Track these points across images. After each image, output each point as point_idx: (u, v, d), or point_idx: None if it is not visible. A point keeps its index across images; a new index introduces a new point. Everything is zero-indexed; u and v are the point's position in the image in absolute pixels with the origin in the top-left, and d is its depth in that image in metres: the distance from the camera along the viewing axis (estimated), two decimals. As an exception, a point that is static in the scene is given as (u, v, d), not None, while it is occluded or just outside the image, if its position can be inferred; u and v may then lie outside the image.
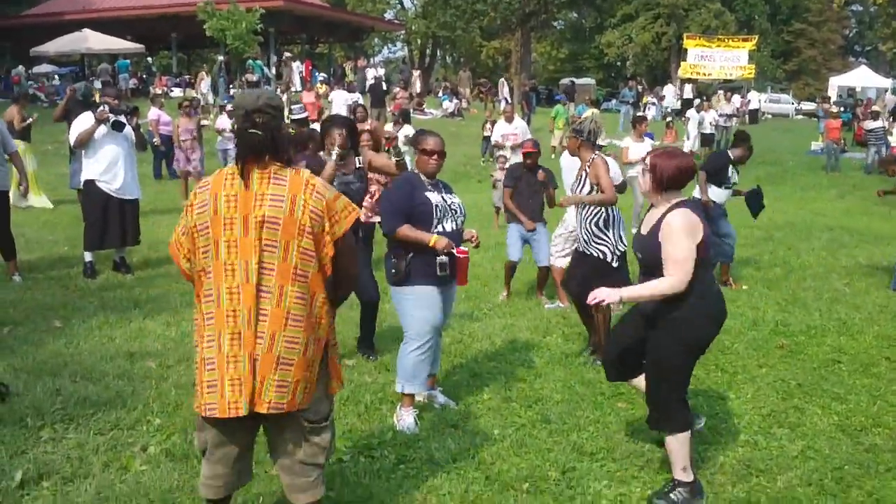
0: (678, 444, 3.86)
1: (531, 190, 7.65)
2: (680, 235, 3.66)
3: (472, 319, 7.02)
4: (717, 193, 8.31)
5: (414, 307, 4.61)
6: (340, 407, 4.91)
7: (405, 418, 4.66)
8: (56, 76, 30.73)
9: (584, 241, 5.93)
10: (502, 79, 32.59)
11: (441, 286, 4.67)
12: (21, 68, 31.16)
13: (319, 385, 3.07)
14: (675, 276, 3.65)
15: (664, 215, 3.74)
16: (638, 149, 11.57)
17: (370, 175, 8.33)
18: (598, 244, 5.84)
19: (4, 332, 6.23)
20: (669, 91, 33.09)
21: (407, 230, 4.54)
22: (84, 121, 7.77)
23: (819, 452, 4.48)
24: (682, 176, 3.83)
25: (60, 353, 5.75)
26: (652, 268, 3.77)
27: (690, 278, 3.64)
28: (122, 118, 7.86)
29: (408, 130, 13.60)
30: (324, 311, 3.04)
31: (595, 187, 5.86)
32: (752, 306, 7.60)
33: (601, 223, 5.86)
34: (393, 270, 4.58)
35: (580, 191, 5.93)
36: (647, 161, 3.88)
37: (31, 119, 12.34)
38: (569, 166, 7.44)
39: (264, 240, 2.90)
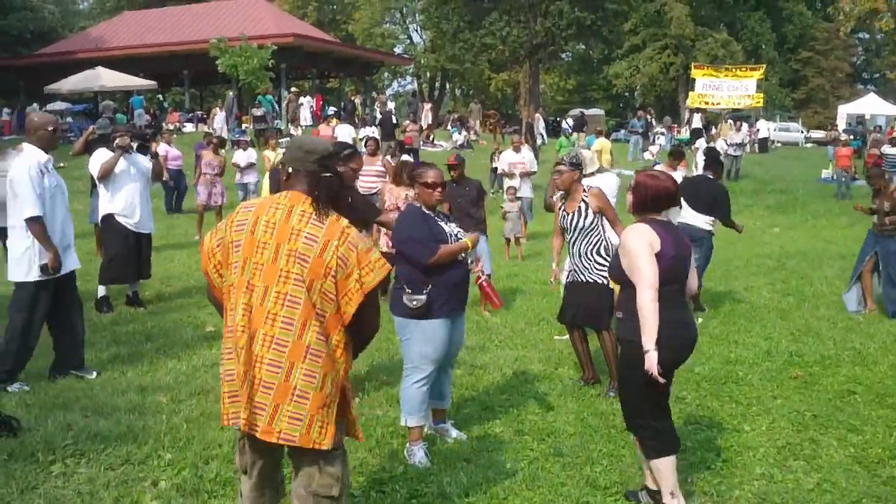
0: (663, 468, 3.89)
1: (466, 201, 8.05)
2: (631, 245, 3.80)
3: (483, 351, 7.00)
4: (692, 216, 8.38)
5: (418, 341, 4.61)
6: (350, 441, 4.87)
7: (416, 453, 4.63)
8: (69, 114, 31.08)
9: (585, 269, 5.92)
10: (537, 113, 32.76)
11: (450, 319, 4.67)
12: (35, 106, 31.56)
13: (340, 420, 3.13)
14: (641, 289, 3.71)
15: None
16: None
17: (392, 202, 8.39)
18: (601, 270, 5.84)
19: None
20: (697, 119, 33.07)
21: (443, 251, 4.55)
22: (103, 154, 7.87)
23: (836, 485, 4.42)
24: (659, 201, 3.92)
25: (72, 388, 5.76)
26: (622, 283, 3.92)
27: (658, 280, 3.70)
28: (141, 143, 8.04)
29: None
30: (339, 352, 3.07)
31: (597, 215, 5.90)
32: (766, 336, 7.55)
33: (602, 251, 5.89)
34: (414, 303, 4.53)
35: (581, 222, 5.92)
36: (633, 180, 4.00)
37: (61, 165, 12.49)
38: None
39: (294, 273, 2.99)
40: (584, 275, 5.93)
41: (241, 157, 14.88)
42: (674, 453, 3.93)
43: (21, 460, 4.46)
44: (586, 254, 5.92)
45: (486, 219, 8.66)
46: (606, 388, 5.91)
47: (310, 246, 2.99)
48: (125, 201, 7.84)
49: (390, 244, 8.39)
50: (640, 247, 3.78)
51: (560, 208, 6.17)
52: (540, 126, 30.61)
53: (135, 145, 7.81)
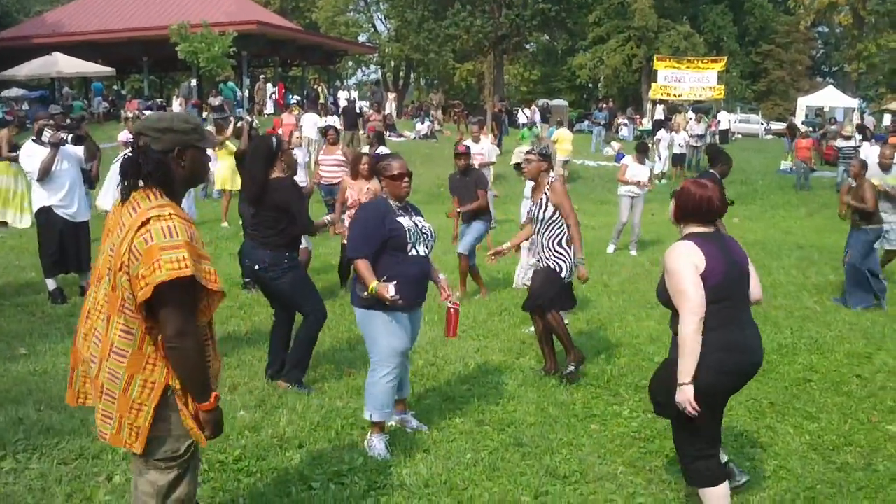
0: (711, 499, 3.67)
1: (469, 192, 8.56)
2: (674, 265, 3.50)
3: (444, 342, 6.96)
4: None
5: (382, 333, 4.56)
6: (311, 432, 4.85)
7: (376, 445, 4.60)
8: (25, 100, 30.45)
9: (546, 258, 6.01)
10: (534, 105, 32.75)
11: (409, 311, 4.64)
12: (-9, 91, 30.89)
13: (161, 427, 2.82)
14: (685, 313, 3.43)
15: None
16: (637, 170, 11.73)
17: (356, 199, 8.34)
18: (557, 258, 5.95)
19: (-34, 361, 6.10)
20: (660, 110, 33.28)
21: (363, 265, 4.48)
22: (34, 150, 7.67)
23: (792, 472, 4.48)
24: (699, 211, 3.64)
25: (25, 381, 5.64)
26: (669, 307, 3.62)
27: (705, 307, 3.42)
28: (73, 132, 7.87)
29: (384, 151, 13.59)
30: (151, 354, 2.76)
31: (556, 209, 5.95)
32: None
33: (564, 242, 5.97)
34: (365, 294, 4.51)
35: (542, 214, 6.01)
36: (679, 186, 3.76)
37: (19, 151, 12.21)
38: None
39: (108, 265, 2.79)
40: (544, 260, 6.02)
41: None
42: (718, 483, 3.66)
43: (-30, 455, 4.36)
44: (548, 244, 6.02)
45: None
46: (565, 367, 5.93)
47: (118, 235, 2.76)
48: (63, 192, 7.69)
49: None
50: (683, 268, 3.48)
51: (530, 198, 6.24)
52: (535, 116, 30.70)
53: (68, 137, 7.62)
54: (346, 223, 8.39)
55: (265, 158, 5.55)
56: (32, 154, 7.63)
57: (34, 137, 7.79)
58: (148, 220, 2.67)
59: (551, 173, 6.21)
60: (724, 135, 32.71)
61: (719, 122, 33.41)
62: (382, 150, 12.34)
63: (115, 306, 2.75)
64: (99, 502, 3.93)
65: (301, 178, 10.52)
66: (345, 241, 8.62)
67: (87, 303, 2.92)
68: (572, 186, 20.09)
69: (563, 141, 21.16)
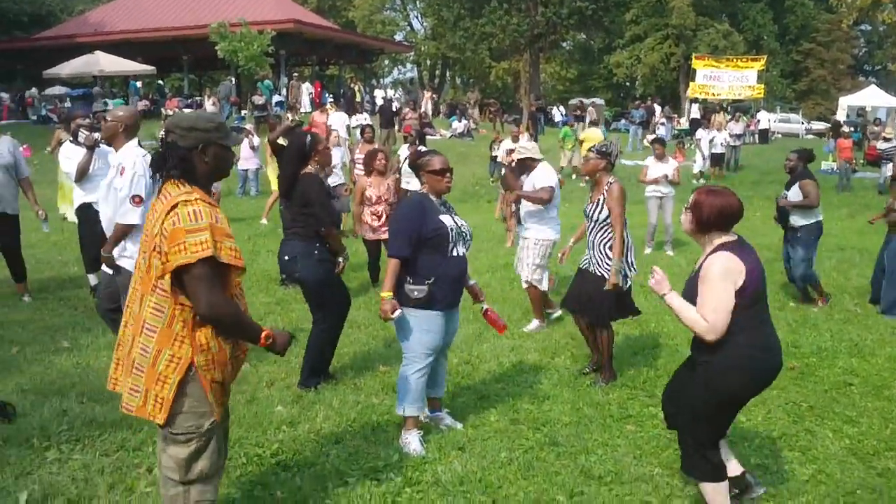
0: (709, 493, 3.75)
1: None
2: (715, 280, 3.49)
3: (479, 340, 6.99)
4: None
5: (416, 330, 4.58)
6: (347, 428, 4.90)
7: (411, 441, 4.63)
8: (68, 98, 31.01)
9: (596, 261, 5.93)
10: (591, 105, 32.63)
11: (447, 311, 4.66)
12: (34, 90, 31.48)
13: (187, 401, 3.01)
14: (708, 322, 3.48)
15: (706, 258, 3.61)
16: (657, 169, 11.59)
17: (378, 195, 8.40)
18: (609, 266, 5.82)
19: (13, 353, 6.25)
20: (695, 109, 32.94)
21: (396, 266, 4.48)
22: (71, 152, 7.75)
23: (830, 477, 4.42)
24: (726, 217, 3.63)
25: (68, 374, 5.76)
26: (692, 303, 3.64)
27: (727, 326, 3.47)
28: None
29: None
30: (180, 330, 2.96)
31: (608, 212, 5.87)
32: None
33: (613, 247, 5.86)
34: (416, 293, 4.51)
35: (597, 214, 5.93)
36: (691, 199, 3.73)
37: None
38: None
39: (144, 248, 3.03)
40: (592, 265, 5.95)
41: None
42: (722, 480, 3.74)
43: (16, 446, 4.48)
44: (598, 245, 5.92)
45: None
46: (596, 379, 5.93)
47: (150, 220, 3.01)
48: (101, 191, 7.78)
49: (374, 227, 8.46)
50: (722, 288, 3.48)
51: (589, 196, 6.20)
52: (593, 115, 30.53)
53: (99, 136, 7.73)
54: (372, 221, 8.48)
55: (298, 156, 5.63)
56: (70, 156, 7.73)
57: (71, 139, 7.92)
58: (176, 204, 2.91)
59: (611, 175, 6.01)
60: (764, 134, 32.30)
61: (759, 121, 32.98)
62: (422, 149, 12.45)
63: (148, 286, 2.97)
64: (140, 493, 4.00)
65: (337, 178, 10.59)
66: (367, 237, 8.69)
67: (130, 292, 3.11)
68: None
69: (591, 140, 20.91)
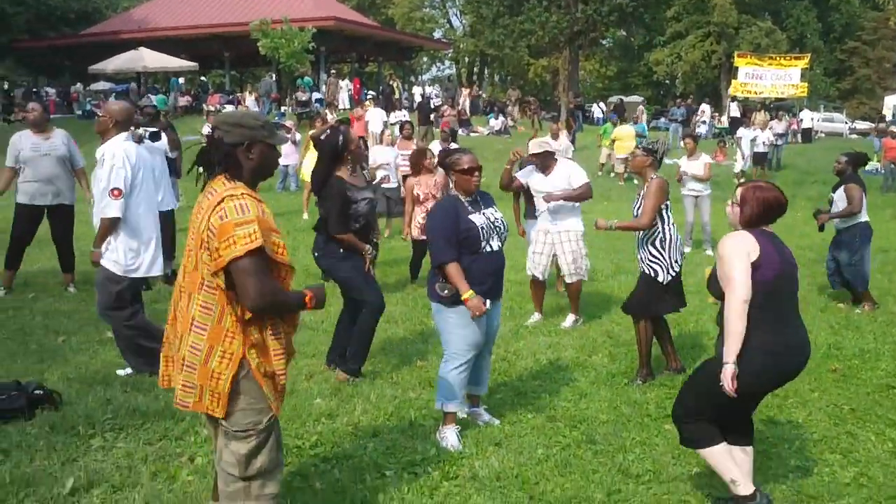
0: (710, 460, 3.82)
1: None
2: (729, 255, 3.57)
3: (516, 337, 6.99)
4: None
5: (457, 325, 4.59)
6: (385, 422, 4.94)
7: (448, 436, 4.65)
8: (113, 93, 31.54)
9: (640, 258, 5.93)
10: (640, 106, 32.48)
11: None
12: (79, 85, 32.06)
13: (245, 397, 3.05)
14: (729, 291, 3.53)
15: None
16: (688, 166, 11.49)
17: (426, 192, 8.42)
18: (652, 262, 5.81)
19: (59, 342, 6.39)
20: (734, 107, 32.56)
21: (454, 270, 4.47)
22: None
23: (873, 480, 4.36)
24: (770, 212, 3.68)
25: (112, 363, 5.87)
26: (721, 299, 3.69)
27: (749, 301, 3.49)
28: (150, 129, 8.07)
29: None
30: (231, 326, 2.99)
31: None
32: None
33: (657, 243, 5.82)
34: (445, 291, 4.54)
35: (638, 211, 5.92)
36: (738, 193, 3.77)
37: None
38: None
39: (191, 246, 3.07)
40: (641, 265, 5.92)
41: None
42: (720, 442, 3.78)
43: (62, 433, 4.58)
44: (642, 241, 5.90)
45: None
46: (634, 376, 5.91)
47: (197, 218, 3.03)
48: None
49: (424, 229, 8.47)
50: (734, 254, 3.56)
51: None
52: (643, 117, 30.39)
53: (147, 134, 7.85)
54: (419, 219, 8.48)
55: (331, 155, 5.72)
56: None
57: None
58: (223, 199, 2.93)
59: (656, 172, 6.00)
60: (807, 134, 31.80)
61: (802, 120, 32.48)
62: (454, 146, 12.46)
63: (195, 284, 3.02)
64: (182, 482, 4.07)
65: (388, 174, 10.56)
66: (414, 237, 8.73)
67: (176, 290, 3.17)
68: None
69: (623, 138, 20.70)
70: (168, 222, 8.19)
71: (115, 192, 5.24)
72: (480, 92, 37.13)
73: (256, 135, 3.08)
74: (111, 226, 5.31)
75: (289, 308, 3.14)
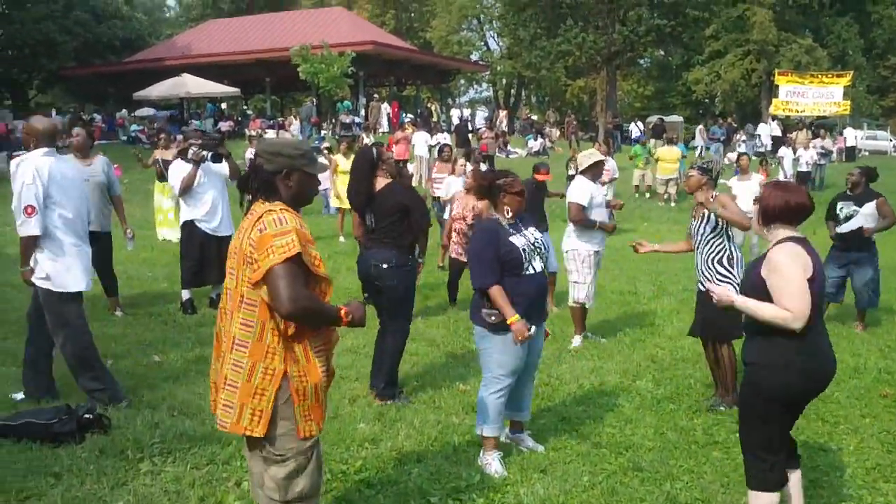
0: (752, 502, 3.73)
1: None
2: (787, 266, 3.48)
3: (559, 361, 6.95)
4: None
5: (499, 351, 4.59)
6: (428, 447, 4.93)
7: (492, 462, 4.63)
8: (157, 119, 32.19)
9: (706, 278, 5.78)
10: (701, 126, 32.32)
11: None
12: (125, 111, 32.75)
13: (283, 421, 3.07)
14: (790, 311, 3.43)
15: (768, 251, 3.62)
16: (741, 189, 11.29)
17: (458, 211, 8.45)
18: (722, 282, 5.65)
19: (108, 365, 6.47)
20: (764, 130, 32.20)
21: (498, 293, 4.48)
22: (181, 168, 8.08)
23: (930, 510, 4.25)
24: (790, 211, 3.63)
25: (159, 387, 5.95)
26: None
27: (808, 315, 3.43)
28: (215, 150, 8.17)
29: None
30: (272, 342, 3.03)
31: (721, 223, 5.77)
32: (854, 353, 7.30)
33: (725, 261, 5.74)
34: (492, 318, 4.52)
35: (703, 228, 5.82)
36: (761, 192, 3.81)
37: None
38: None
39: (231, 266, 3.13)
40: (705, 285, 5.77)
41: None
42: (772, 490, 3.70)
43: (112, 457, 4.64)
44: (708, 262, 5.81)
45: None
46: (716, 402, 5.80)
47: (238, 237, 3.10)
48: (206, 208, 8.06)
49: (459, 252, 8.50)
50: (795, 271, 3.47)
51: (691, 214, 6.13)
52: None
53: (209, 155, 7.97)
54: (456, 238, 8.56)
55: (369, 167, 5.83)
56: (180, 171, 8.07)
57: (182, 156, 8.24)
58: (262, 215, 3.03)
59: (711, 191, 5.95)
60: (851, 152, 31.32)
61: (845, 138, 31.99)
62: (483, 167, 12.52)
63: (235, 302, 3.07)
64: (229, 507, 4.10)
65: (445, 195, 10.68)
66: (453, 256, 8.77)
67: (220, 314, 3.23)
68: (682, 206, 19.58)
69: (666, 159, 20.51)
70: (225, 247, 8.29)
71: (28, 210, 5.10)
72: (529, 115, 37.14)
73: (295, 164, 3.14)
74: (30, 244, 5.20)
75: (323, 319, 3.13)
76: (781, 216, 3.64)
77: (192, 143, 8.20)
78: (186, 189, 7.96)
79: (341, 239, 13.51)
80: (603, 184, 12.86)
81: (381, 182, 5.80)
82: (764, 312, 3.52)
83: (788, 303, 3.44)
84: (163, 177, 12.66)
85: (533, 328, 4.52)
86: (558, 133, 32.99)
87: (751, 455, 3.74)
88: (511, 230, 4.66)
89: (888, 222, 8.10)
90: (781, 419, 3.68)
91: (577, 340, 7.47)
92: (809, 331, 3.52)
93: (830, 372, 3.66)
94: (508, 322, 4.44)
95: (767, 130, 31.78)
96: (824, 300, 3.69)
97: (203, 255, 8.09)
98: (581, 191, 7.36)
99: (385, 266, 5.73)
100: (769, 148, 28.80)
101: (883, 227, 8.13)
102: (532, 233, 4.74)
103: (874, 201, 8.16)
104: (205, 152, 7.93)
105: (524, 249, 4.59)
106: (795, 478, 3.86)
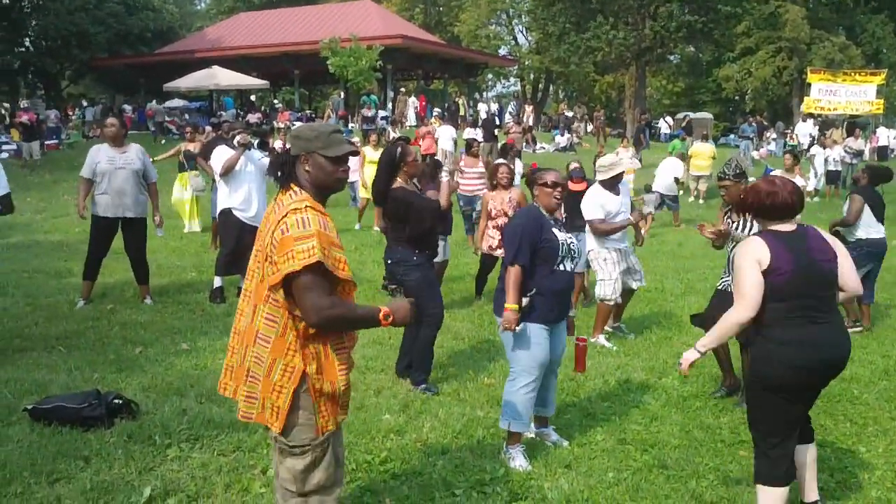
0: (762, 498, 3.75)
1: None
2: (740, 264, 3.59)
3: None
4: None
5: (525, 344, 4.58)
6: (453, 439, 4.94)
7: (515, 457, 4.62)
8: (186, 111, 32.45)
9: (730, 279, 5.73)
10: (773, 132, 32.03)
11: (553, 325, 4.65)
12: (154, 102, 33.07)
13: (299, 414, 3.05)
14: (737, 305, 3.57)
15: None
16: None
17: (499, 208, 8.42)
18: None
19: (136, 353, 6.56)
20: (803, 130, 31.74)
21: (514, 274, 4.49)
22: (224, 152, 8.20)
23: (961, 514, 4.19)
24: (768, 207, 3.69)
25: (187, 375, 6.01)
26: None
27: (757, 310, 3.53)
28: (263, 138, 8.34)
29: (519, 166, 13.72)
30: (292, 339, 3.00)
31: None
32: (883, 354, 7.20)
33: None
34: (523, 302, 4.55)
35: (747, 232, 5.71)
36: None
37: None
38: None
39: (256, 259, 3.10)
40: (726, 284, 5.76)
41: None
42: (777, 486, 3.70)
43: (140, 442, 4.70)
44: None
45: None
46: (739, 399, 5.75)
47: (263, 230, 3.07)
48: (242, 196, 8.14)
49: (492, 246, 8.47)
50: (746, 266, 3.56)
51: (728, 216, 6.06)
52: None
53: (255, 142, 8.10)
54: (494, 236, 8.47)
55: (388, 167, 5.88)
56: (224, 154, 8.20)
57: (228, 141, 8.35)
58: (286, 213, 2.95)
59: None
60: (883, 151, 30.87)
61: (878, 137, 31.53)
62: (519, 164, 12.45)
63: (261, 296, 3.03)
64: (255, 494, 4.14)
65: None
66: (483, 251, 8.74)
67: (242, 296, 3.22)
68: (710, 203, 19.42)
69: (698, 156, 20.27)
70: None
71: None
72: (563, 111, 36.98)
73: (311, 146, 3.07)
74: None
75: (354, 323, 3.12)
76: (759, 212, 3.74)
77: (240, 130, 8.32)
78: (228, 171, 8.06)
79: (357, 226, 13.66)
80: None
81: (398, 181, 5.85)
82: (722, 328, 3.66)
83: (735, 295, 3.60)
84: (183, 167, 12.82)
85: (546, 329, 4.58)
86: (589, 128, 32.77)
87: (756, 447, 3.81)
88: (553, 222, 4.68)
89: (842, 219, 8.07)
90: (777, 408, 3.68)
91: (600, 339, 7.42)
92: (788, 322, 3.55)
93: (826, 362, 3.62)
94: (506, 306, 4.47)
95: (806, 129, 31.31)
96: (813, 292, 3.59)
97: (239, 244, 8.12)
98: (593, 206, 7.29)
99: (390, 262, 5.95)
100: (806, 146, 28.40)
101: (837, 222, 8.10)
102: (568, 236, 4.73)
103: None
104: (252, 138, 8.06)
105: (563, 244, 4.60)
106: (810, 454, 3.96)
